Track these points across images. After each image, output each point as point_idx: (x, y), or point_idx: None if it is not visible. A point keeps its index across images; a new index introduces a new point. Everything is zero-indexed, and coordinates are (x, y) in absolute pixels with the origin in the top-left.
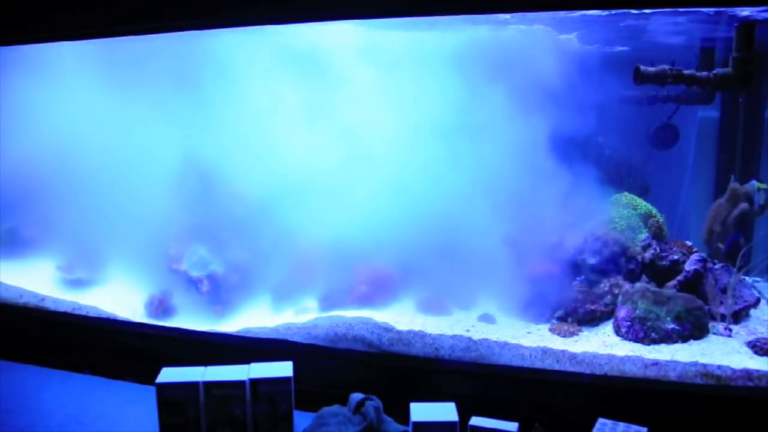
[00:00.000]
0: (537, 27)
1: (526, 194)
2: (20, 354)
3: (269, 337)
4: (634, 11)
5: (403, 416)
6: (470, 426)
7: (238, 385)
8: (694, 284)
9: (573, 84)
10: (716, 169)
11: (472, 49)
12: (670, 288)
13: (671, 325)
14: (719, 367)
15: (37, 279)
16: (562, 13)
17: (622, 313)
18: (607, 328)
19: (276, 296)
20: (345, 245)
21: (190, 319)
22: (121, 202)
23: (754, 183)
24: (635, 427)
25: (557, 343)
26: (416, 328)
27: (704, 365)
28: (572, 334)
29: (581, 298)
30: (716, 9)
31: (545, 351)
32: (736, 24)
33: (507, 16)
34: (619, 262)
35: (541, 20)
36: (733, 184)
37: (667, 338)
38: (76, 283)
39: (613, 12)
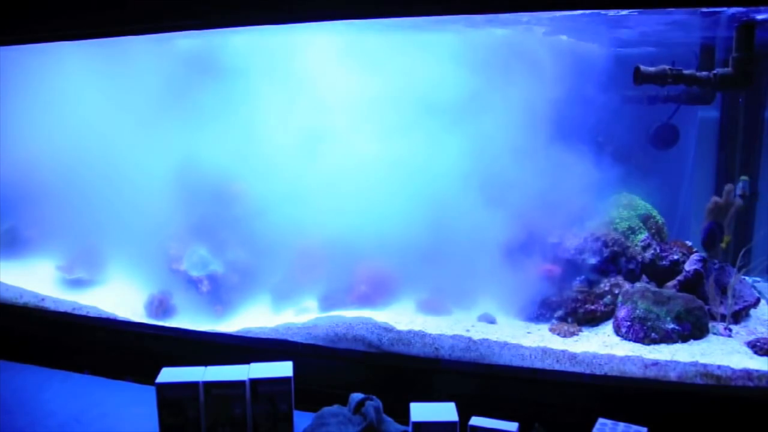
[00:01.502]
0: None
1: (526, 194)
2: (20, 354)
3: (269, 337)
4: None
5: (403, 416)
6: (470, 426)
7: (238, 385)
8: (694, 284)
9: (570, 83)
10: (716, 169)
11: (465, 46)
12: (670, 288)
13: (671, 325)
14: (719, 367)
15: (37, 279)
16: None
17: (622, 313)
18: (607, 328)
19: (276, 296)
20: (345, 245)
21: (190, 319)
22: (122, 201)
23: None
24: (635, 427)
25: (557, 343)
26: (416, 328)
27: (704, 365)
28: (572, 334)
29: (581, 298)
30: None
31: (545, 351)
32: (736, 24)
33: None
34: (619, 262)
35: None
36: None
37: (667, 338)
38: (76, 283)
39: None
